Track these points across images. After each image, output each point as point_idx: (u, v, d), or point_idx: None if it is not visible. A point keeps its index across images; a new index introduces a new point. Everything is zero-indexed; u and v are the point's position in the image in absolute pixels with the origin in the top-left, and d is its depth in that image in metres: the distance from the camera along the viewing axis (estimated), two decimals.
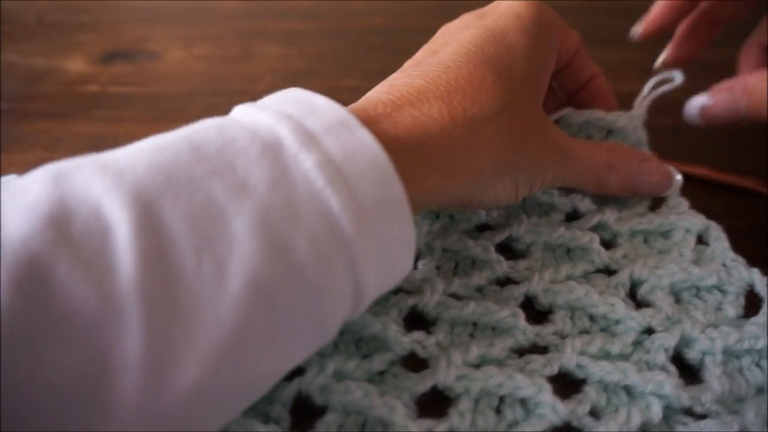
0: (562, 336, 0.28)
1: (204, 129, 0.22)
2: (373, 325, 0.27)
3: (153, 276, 0.18)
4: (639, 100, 0.36)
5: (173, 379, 0.18)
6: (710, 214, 0.33)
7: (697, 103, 0.33)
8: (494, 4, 0.32)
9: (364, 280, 0.22)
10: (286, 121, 0.22)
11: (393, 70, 0.31)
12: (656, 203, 0.34)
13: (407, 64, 0.30)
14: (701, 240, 0.33)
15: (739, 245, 0.32)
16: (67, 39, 0.58)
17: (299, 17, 0.61)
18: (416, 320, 0.29)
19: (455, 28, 0.31)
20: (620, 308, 0.28)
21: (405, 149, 0.24)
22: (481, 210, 0.34)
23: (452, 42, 0.29)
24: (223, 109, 0.25)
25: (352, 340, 0.28)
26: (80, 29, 0.60)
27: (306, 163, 0.21)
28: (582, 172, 0.32)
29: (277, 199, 0.20)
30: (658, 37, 0.37)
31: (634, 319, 0.28)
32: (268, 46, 0.56)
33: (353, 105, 0.26)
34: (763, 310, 0.28)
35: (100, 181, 0.19)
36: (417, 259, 0.31)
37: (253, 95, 0.47)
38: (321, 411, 0.25)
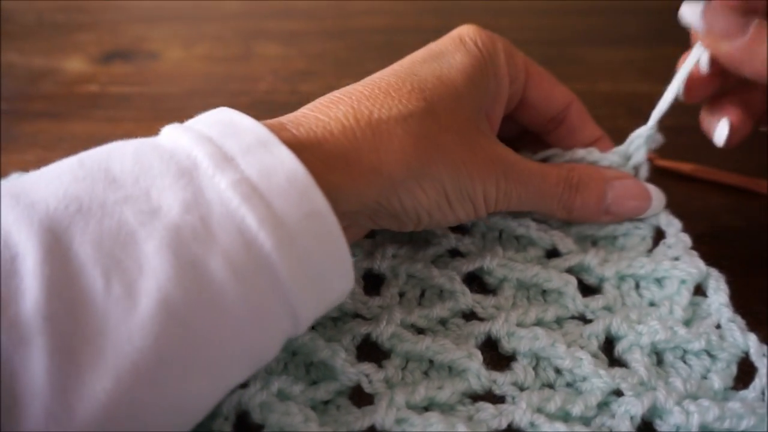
0: (521, 388, 0.26)
1: (122, 157, 0.22)
2: (322, 350, 0.26)
3: (58, 300, 0.19)
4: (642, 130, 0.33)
5: (81, 400, 0.18)
6: (710, 214, 0.33)
7: (697, 8, 0.27)
8: (451, 31, 0.32)
9: (295, 296, 0.22)
10: (205, 144, 0.22)
11: None
12: (654, 242, 0.31)
13: None
14: (699, 288, 0.29)
15: (739, 245, 0.32)
16: (66, 39, 0.58)
17: (299, 17, 0.61)
18: (372, 349, 0.27)
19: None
20: (587, 364, 0.26)
21: (304, 147, 0.24)
22: (449, 234, 0.32)
23: (397, 63, 0.30)
24: None
25: (303, 363, 0.27)
26: (80, 29, 0.60)
27: (221, 183, 0.21)
28: (539, 191, 0.30)
29: (190, 221, 0.20)
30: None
31: (601, 378, 0.25)
32: (268, 46, 0.56)
33: (271, 120, 0.26)
34: (754, 384, 0.25)
35: (11, 213, 0.20)
36: (380, 284, 0.30)
37: (253, 95, 0.47)
38: (261, 428, 0.24)
